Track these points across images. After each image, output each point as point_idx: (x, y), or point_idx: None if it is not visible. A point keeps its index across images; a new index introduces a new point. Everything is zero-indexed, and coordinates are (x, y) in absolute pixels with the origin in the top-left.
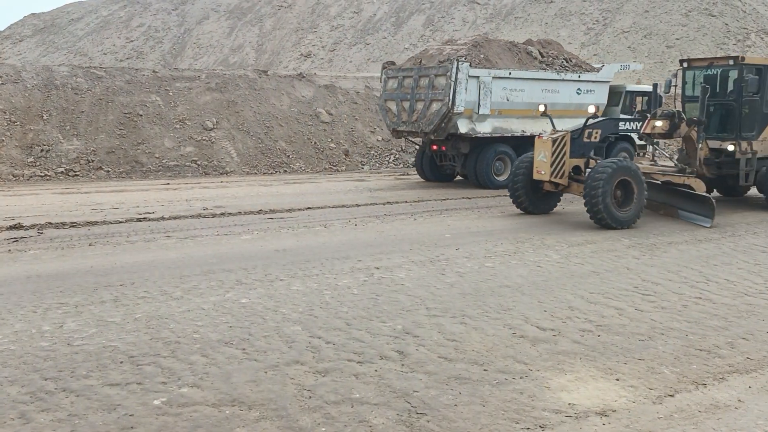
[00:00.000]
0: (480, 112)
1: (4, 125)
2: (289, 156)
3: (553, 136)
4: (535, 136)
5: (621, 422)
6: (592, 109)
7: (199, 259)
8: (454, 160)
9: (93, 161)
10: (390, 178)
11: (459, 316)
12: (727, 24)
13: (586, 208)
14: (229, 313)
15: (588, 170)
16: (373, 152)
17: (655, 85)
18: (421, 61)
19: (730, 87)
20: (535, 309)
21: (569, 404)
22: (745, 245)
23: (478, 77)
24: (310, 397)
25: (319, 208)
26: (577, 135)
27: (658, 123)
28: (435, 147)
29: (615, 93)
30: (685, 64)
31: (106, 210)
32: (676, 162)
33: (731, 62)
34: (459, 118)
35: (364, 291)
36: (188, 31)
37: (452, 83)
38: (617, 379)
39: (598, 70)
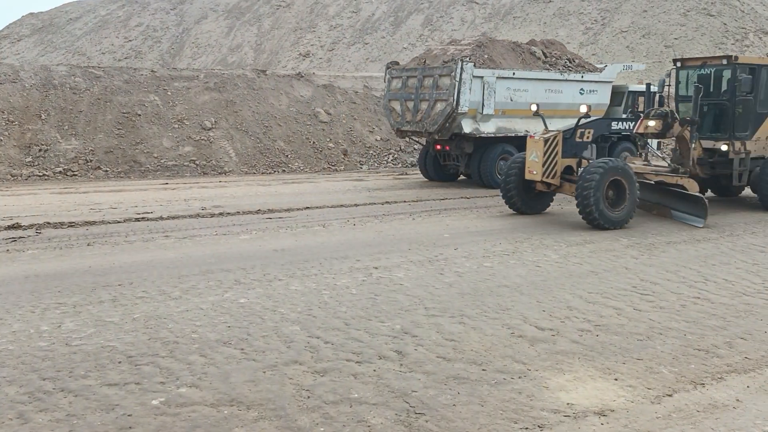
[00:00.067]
0: (484, 112)
1: (2, 125)
2: (287, 156)
3: (545, 135)
4: None
5: (619, 422)
6: (584, 109)
7: (198, 259)
8: (457, 159)
9: (91, 161)
10: (389, 177)
11: (457, 316)
12: (725, 24)
13: (577, 209)
14: (227, 312)
15: (580, 170)
16: (371, 152)
17: (648, 85)
18: (425, 61)
19: (724, 87)
20: (533, 309)
21: (568, 404)
22: (743, 245)
23: (482, 77)
24: (308, 397)
25: (317, 207)
26: (569, 135)
27: (651, 123)
28: (439, 147)
29: (617, 93)
30: (678, 64)
31: (104, 210)
32: (669, 162)
33: (724, 62)
34: (463, 117)
35: (362, 291)
36: (186, 30)
37: (456, 83)
38: (616, 379)
39: (600, 70)
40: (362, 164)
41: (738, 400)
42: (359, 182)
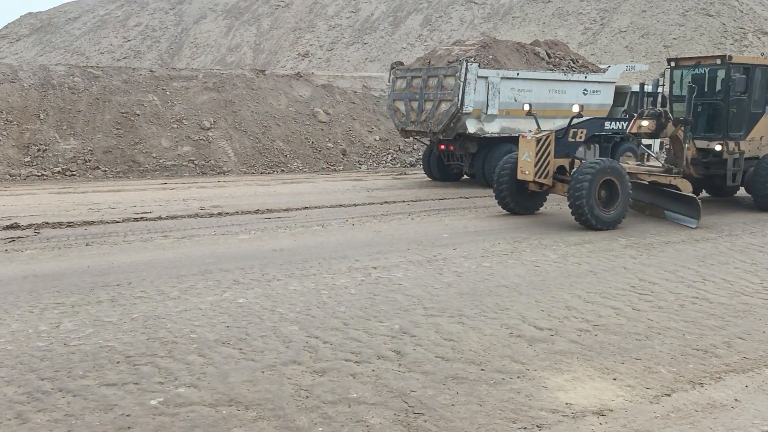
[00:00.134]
0: (488, 112)
1: (0, 125)
2: (286, 156)
3: (537, 135)
4: None
5: (618, 422)
6: (576, 109)
7: (197, 259)
8: (461, 159)
9: (90, 161)
10: (387, 177)
11: (456, 316)
12: (724, 24)
13: (570, 209)
14: (226, 312)
15: (573, 170)
16: (370, 152)
17: (642, 85)
18: (429, 62)
19: (718, 86)
20: (532, 309)
21: (566, 404)
22: (741, 245)
23: (486, 78)
24: (307, 397)
25: (316, 207)
26: (561, 135)
27: (644, 123)
28: (443, 147)
29: (620, 93)
30: (672, 64)
31: (103, 210)
32: (662, 162)
33: (718, 61)
34: (468, 118)
35: (361, 291)
36: (185, 30)
37: (461, 83)
38: (614, 379)
39: (604, 71)
40: (361, 164)
41: (736, 399)
42: (358, 182)
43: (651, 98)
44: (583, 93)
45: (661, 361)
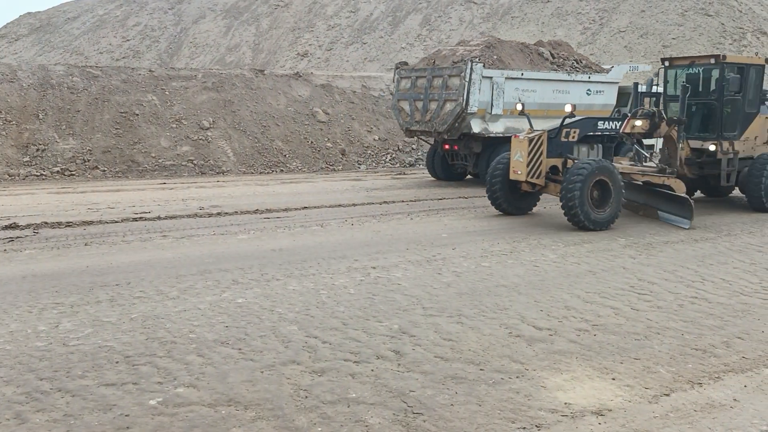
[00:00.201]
0: (493, 112)
1: None
2: (285, 155)
3: (530, 135)
4: None
5: (617, 422)
6: (568, 108)
7: (196, 259)
8: (465, 159)
9: (89, 161)
10: (386, 177)
11: (455, 316)
12: (723, 24)
13: (562, 209)
14: (225, 312)
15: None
16: (369, 152)
17: (635, 84)
18: (434, 62)
19: (712, 86)
20: (531, 308)
21: (565, 404)
22: (740, 244)
23: (491, 78)
24: (306, 397)
25: (315, 207)
26: (554, 134)
27: (638, 122)
28: (447, 146)
29: (623, 94)
30: (666, 63)
31: (102, 210)
32: (656, 162)
33: (713, 61)
34: (472, 117)
35: (360, 290)
36: (184, 30)
37: (466, 83)
38: (613, 379)
39: (607, 71)
40: (360, 164)
41: (735, 399)
42: (357, 182)
43: (654, 98)
44: (587, 93)
45: (660, 361)
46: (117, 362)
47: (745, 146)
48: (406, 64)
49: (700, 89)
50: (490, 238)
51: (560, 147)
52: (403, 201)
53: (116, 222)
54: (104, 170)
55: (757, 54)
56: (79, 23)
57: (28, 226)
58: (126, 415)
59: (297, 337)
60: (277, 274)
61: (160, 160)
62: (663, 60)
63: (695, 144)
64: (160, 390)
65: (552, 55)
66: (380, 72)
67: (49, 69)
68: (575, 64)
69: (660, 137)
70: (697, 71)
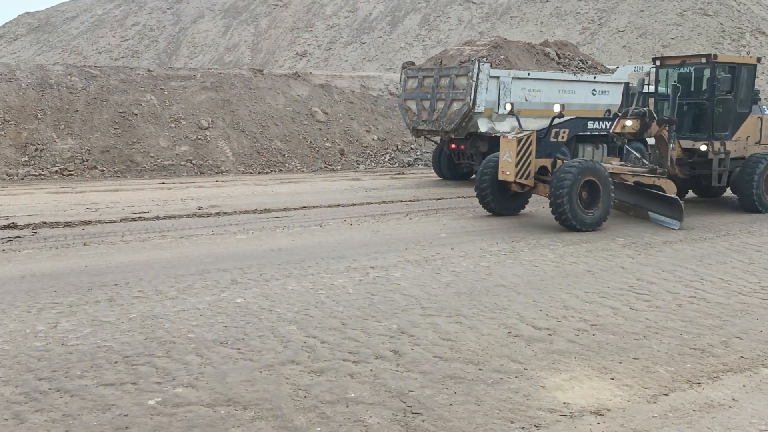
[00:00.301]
0: (500, 112)
1: None
2: (284, 155)
3: (518, 135)
4: None
5: (616, 421)
6: (557, 108)
7: (194, 259)
8: (472, 158)
9: (87, 160)
10: (385, 177)
11: (454, 316)
12: (722, 24)
13: (550, 210)
14: (224, 312)
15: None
16: (368, 152)
17: (626, 84)
18: (441, 62)
19: (704, 86)
20: (530, 308)
21: (564, 403)
22: (739, 244)
23: (498, 77)
24: (305, 397)
25: (314, 207)
26: (543, 135)
27: (628, 122)
28: (453, 146)
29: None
30: (657, 62)
31: (100, 209)
32: (647, 162)
33: (704, 60)
34: (479, 117)
35: (359, 290)
36: (183, 30)
37: (473, 83)
38: (612, 378)
39: (612, 71)
40: (359, 164)
41: (734, 399)
42: (356, 182)
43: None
44: (592, 93)
45: (659, 361)
46: (116, 362)
47: (737, 146)
48: (412, 63)
49: (692, 89)
50: (488, 237)
51: (549, 147)
52: (401, 201)
53: (115, 222)
54: (103, 170)
55: (748, 53)
56: (78, 23)
57: (26, 225)
58: (125, 415)
59: (296, 337)
60: (276, 274)
61: (158, 160)
62: (654, 59)
63: (686, 144)
64: (158, 390)
65: (558, 55)
66: (379, 72)
67: (48, 69)
68: (581, 64)
69: (651, 137)
70: (688, 71)
